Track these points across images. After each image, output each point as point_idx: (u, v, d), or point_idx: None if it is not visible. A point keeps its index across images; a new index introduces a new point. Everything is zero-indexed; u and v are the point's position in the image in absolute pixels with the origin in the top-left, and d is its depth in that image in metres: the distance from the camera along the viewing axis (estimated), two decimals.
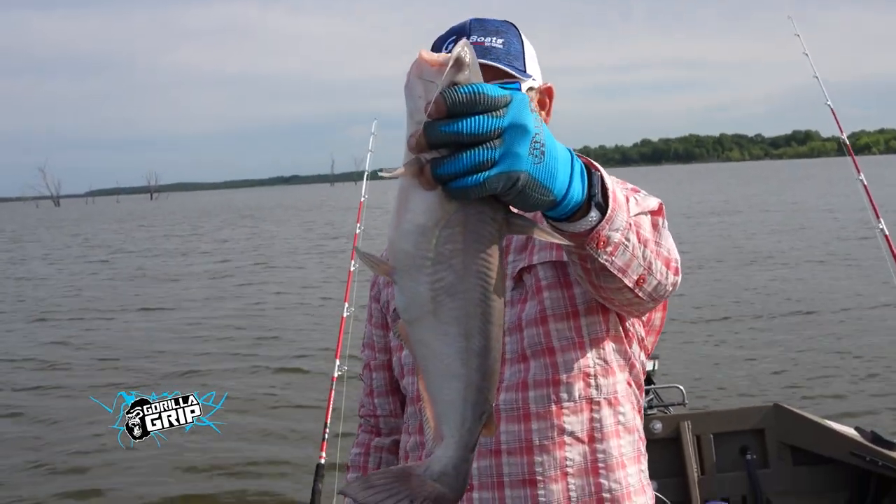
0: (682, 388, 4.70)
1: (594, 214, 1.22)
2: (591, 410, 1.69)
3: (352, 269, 5.36)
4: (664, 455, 4.31)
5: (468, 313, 1.06)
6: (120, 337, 13.35)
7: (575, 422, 1.67)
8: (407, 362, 1.86)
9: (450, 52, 1.02)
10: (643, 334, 1.81)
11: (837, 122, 5.40)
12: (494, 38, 1.74)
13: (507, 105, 0.98)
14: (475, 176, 0.97)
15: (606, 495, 1.68)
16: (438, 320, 1.07)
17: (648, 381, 4.57)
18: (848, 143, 5.35)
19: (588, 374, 1.69)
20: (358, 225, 5.60)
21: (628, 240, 1.32)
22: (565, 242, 1.18)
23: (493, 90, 0.97)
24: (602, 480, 1.68)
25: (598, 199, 1.21)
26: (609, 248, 1.29)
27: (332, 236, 33.45)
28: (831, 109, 5.38)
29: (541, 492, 1.65)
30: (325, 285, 17.54)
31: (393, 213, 1.06)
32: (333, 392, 4.81)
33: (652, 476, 4.18)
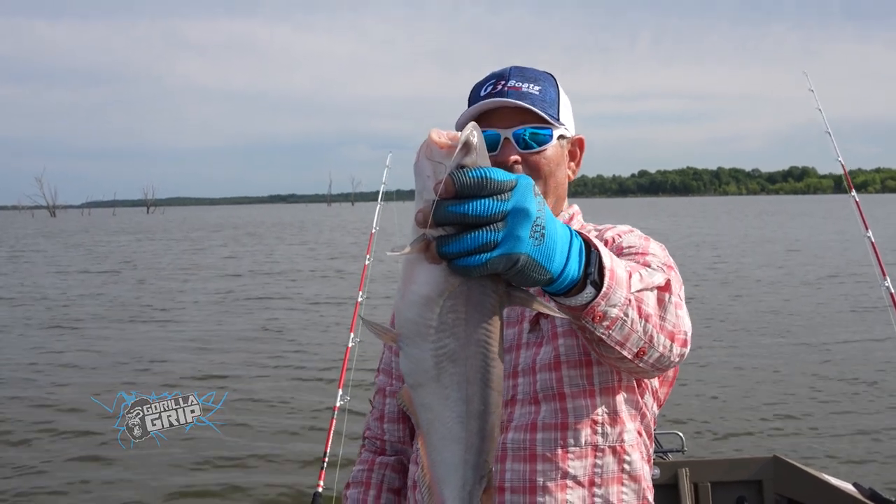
0: (681, 434, 4.68)
1: (589, 291, 1.25)
2: (595, 456, 1.73)
3: (360, 300, 5.38)
4: (661, 501, 4.28)
5: (469, 379, 1.11)
6: (124, 345, 13.38)
7: (578, 466, 1.71)
8: None
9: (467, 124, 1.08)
10: (657, 385, 1.86)
11: (836, 149, 5.42)
12: (532, 85, 1.83)
13: (512, 189, 1.03)
14: (478, 256, 1.02)
15: None
16: (441, 385, 1.11)
17: None
18: (846, 168, 5.40)
19: (595, 422, 1.73)
20: (367, 256, 5.67)
21: (627, 315, 1.34)
22: (562, 315, 1.24)
23: (500, 175, 1.02)
24: None
25: (593, 277, 1.25)
26: (606, 323, 1.32)
27: (335, 257, 33.34)
28: (830, 136, 5.41)
29: None
30: (333, 308, 17.42)
31: (399, 283, 1.10)
32: (335, 420, 4.82)
33: None
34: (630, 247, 1.75)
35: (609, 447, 1.73)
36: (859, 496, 4.05)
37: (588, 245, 1.24)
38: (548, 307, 1.17)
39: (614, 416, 1.74)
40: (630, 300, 1.34)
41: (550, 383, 1.71)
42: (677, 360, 1.53)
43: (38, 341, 14.29)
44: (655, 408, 1.87)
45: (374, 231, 5.84)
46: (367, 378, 6.84)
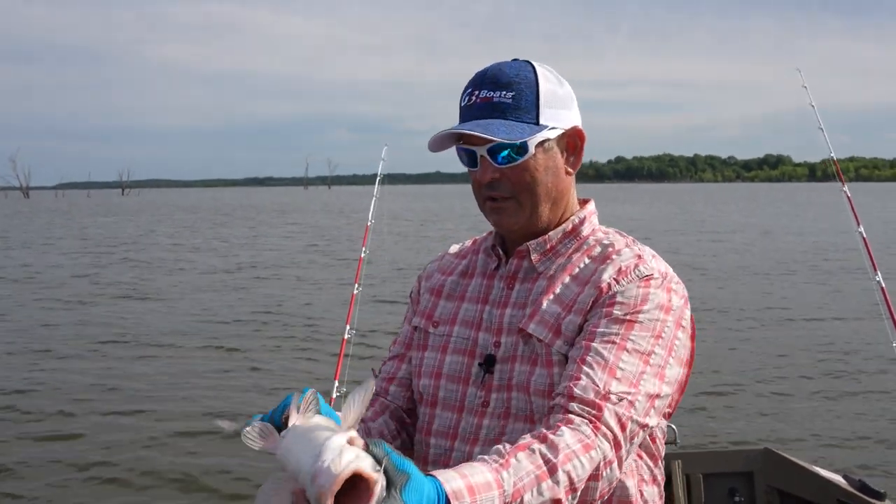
0: (674, 426, 4.64)
1: None
2: None
3: (355, 291, 5.36)
4: None
5: None
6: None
7: None
8: (427, 364, 1.87)
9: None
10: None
11: (829, 147, 5.49)
12: (505, 92, 1.73)
13: None
14: None
15: None
16: None
17: None
18: (839, 166, 5.45)
19: None
20: (363, 248, 5.69)
21: None
22: None
23: None
24: None
25: None
26: None
27: (330, 244, 33.17)
28: (824, 134, 5.47)
29: None
30: (327, 299, 17.27)
31: (288, 461, 1.25)
32: None
33: None
34: (623, 304, 1.68)
35: None
36: (849, 487, 4.04)
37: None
38: None
39: None
40: None
41: (544, 409, 1.67)
42: None
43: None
44: (663, 423, 1.81)
45: (369, 224, 5.81)
46: (363, 368, 6.86)
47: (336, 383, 4.96)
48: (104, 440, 7.93)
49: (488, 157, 1.73)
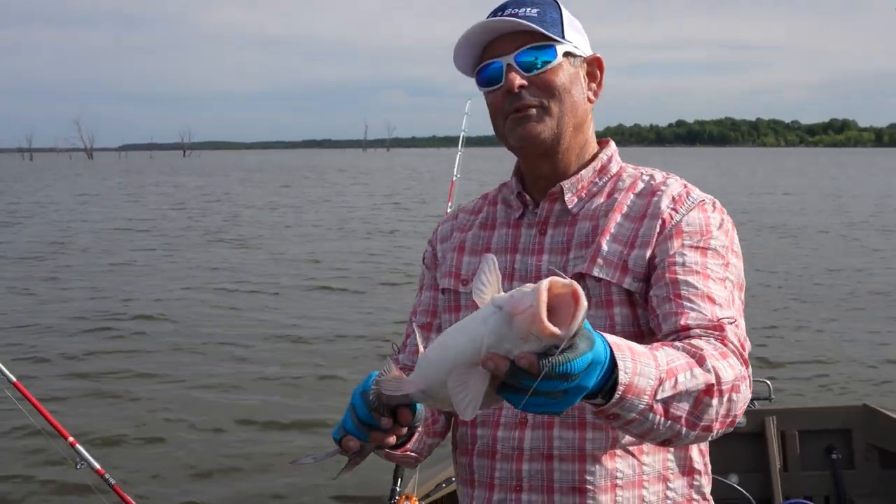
0: (768, 382, 4.49)
1: (599, 399, 1.27)
2: None
3: None
4: (747, 449, 4.28)
5: None
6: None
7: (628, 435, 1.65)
8: None
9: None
10: None
11: None
12: (529, 9, 1.72)
13: (582, 371, 1.09)
14: (526, 406, 1.11)
15: None
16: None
17: None
18: None
19: None
20: (448, 204, 5.63)
21: (646, 417, 1.33)
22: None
23: (579, 366, 1.07)
24: (644, 492, 1.69)
25: (605, 391, 1.26)
26: (620, 422, 1.32)
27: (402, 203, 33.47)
28: None
29: (590, 500, 1.66)
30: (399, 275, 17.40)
31: (450, 361, 1.15)
32: None
33: (734, 470, 4.04)
34: (690, 233, 1.66)
35: None
36: None
37: (614, 360, 1.24)
38: None
39: None
40: (652, 406, 1.32)
41: None
42: (719, 435, 1.51)
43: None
44: None
45: (454, 178, 5.72)
46: None
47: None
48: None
49: (515, 65, 1.70)
